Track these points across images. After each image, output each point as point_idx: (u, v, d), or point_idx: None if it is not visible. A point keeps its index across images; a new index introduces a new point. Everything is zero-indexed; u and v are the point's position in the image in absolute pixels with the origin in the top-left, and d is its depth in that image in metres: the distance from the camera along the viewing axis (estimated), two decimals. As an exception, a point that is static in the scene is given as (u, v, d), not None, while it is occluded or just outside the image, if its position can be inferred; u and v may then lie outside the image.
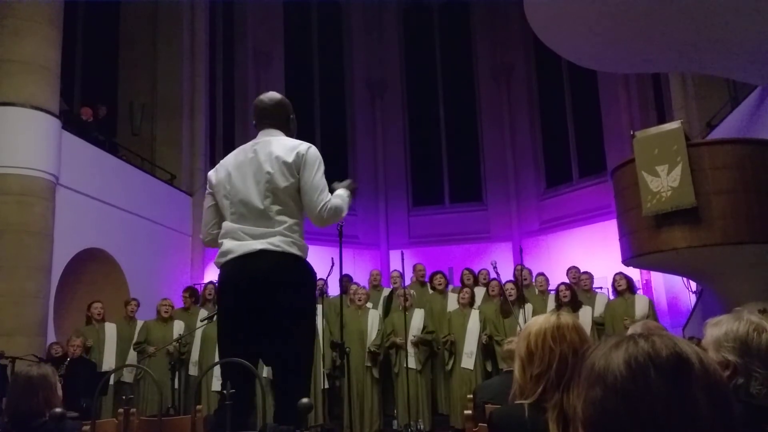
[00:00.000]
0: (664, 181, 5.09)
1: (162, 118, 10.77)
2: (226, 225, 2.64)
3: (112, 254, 8.52)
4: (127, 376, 6.99)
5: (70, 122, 8.24)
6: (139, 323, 7.26)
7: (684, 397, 0.77)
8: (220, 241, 2.66)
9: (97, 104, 9.49)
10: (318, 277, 7.93)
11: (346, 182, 2.94)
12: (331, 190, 2.81)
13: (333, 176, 2.94)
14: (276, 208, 2.59)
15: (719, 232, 5.02)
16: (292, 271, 2.57)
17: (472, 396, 3.94)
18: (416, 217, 14.28)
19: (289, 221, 2.60)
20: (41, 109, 7.27)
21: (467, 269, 8.18)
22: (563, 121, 13.62)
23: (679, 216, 5.07)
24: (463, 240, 13.38)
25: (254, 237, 2.55)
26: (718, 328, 1.59)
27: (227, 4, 13.20)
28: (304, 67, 14.34)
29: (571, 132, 13.47)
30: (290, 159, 2.63)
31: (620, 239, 5.83)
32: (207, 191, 2.83)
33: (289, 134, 2.84)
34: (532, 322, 1.74)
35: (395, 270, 7.98)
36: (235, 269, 2.56)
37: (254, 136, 2.87)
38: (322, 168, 2.73)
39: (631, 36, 6.14)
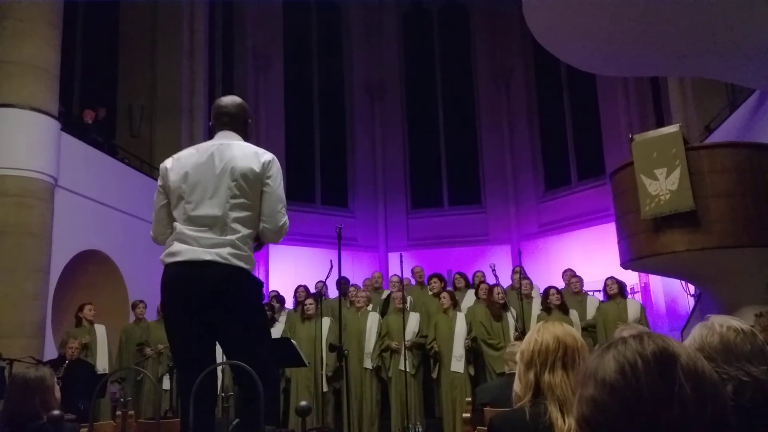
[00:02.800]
0: (662, 185, 5.10)
1: (161, 120, 10.77)
2: (179, 227, 2.59)
3: (110, 256, 8.52)
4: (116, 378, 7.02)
5: (69, 124, 8.24)
6: (145, 324, 7.32)
7: (671, 387, 0.80)
8: (170, 241, 2.62)
9: (96, 106, 9.49)
10: (318, 280, 7.92)
11: None
12: None
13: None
14: (233, 215, 2.56)
15: (718, 236, 5.02)
16: (236, 285, 2.54)
17: (470, 399, 3.93)
18: (415, 220, 14.28)
19: (243, 232, 2.57)
20: (40, 111, 7.28)
21: (458, 273, 8.18)
22: (562, 124, 13.64)
23: (677, 219, 5.07)
24: (461, 243, 13.38)
25: (204, 245, 2.52)
26: (693, 341, 1.58)
27: (227, 6, 13.21)
28: (303, 70, 14.34)
29: (570, 135, 13.49)
30: (256, 167, 2.60)
31: (619, 242, 5.83)
32: (159, 185, 2.73)
33: (246, 139, 2.81)
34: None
35: (394, 274, 7.98)
36: (179, 274, 2.54)
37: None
38: (282, 181, 2.73)
39: (630, 40, 6.15)
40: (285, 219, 2.67)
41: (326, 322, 6.91)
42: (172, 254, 2.56)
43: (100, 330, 7.13)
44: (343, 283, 7.40)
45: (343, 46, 14.90)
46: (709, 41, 5.87)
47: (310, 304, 7.02)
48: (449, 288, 7.72)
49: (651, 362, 0.81)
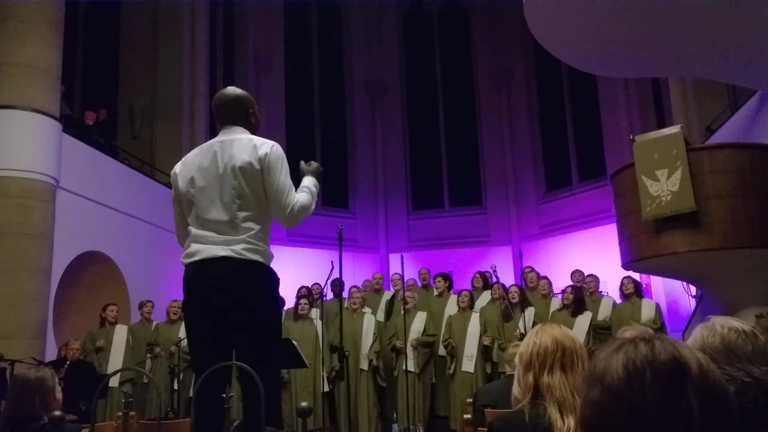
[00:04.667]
0: (663, 186, 5.09)
1: (162, 121, 10.78)
2: (193, 231, 2.66)
3: (111, 257, 8.52)
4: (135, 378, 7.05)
5: (70, 125, 8.25)
6: (154, 325, 7.32)
7: (678, 401, 0.78)
8: (187, 243, 2.69)
9: (97, 107, 9.50)
10: (314, 282, 7.89)
11: (313, 166, 2.89)
12: (299, 172, 2.81)
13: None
14: (242, 215, 2.58)
15: (719, 237, 5.01)
16: (252, 279, 2.57)
17: (471, 400, 3.93)
18: (416, 221, 14.28)
19: (255, 228, 2.59)
20: (42, 112, 7.28)
21: (479, 272, 8.17)
22: (563, 125, 13.63)
23: (678, 220, 5.07)
24: (462, 244, 13.37)
25: (218, 243, 2.57)
26: (694, 342, 1.58)
27: (227, 7, 13.23)
28: (304, 71, 14.34)
29: (571, 136, 13.48)
30: (255, 163, 2.61)
31: (620, 243, 5.83)
32: (173, 193, 2.81)
33: (250, 130, 2.81)
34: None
35: (396, 273, 7.98)
36: (197, 273, 2.59)
37: None
38: (286, 167, 2.69)
39: (631, 40, 6.15)
40: (292, 205, 2.62)
41: (319, 324, 6.94)
42: (190, 255, 2.64)
43: (120, 330, 7.07)
44: (336, 285, 7.40)
45: (343, 47, 14.91)
46: (710, 42, 5.87)
47: (305, 304, 7.07)
48: (468, 288, 7.68)
49: (660, 373, 0.79)
